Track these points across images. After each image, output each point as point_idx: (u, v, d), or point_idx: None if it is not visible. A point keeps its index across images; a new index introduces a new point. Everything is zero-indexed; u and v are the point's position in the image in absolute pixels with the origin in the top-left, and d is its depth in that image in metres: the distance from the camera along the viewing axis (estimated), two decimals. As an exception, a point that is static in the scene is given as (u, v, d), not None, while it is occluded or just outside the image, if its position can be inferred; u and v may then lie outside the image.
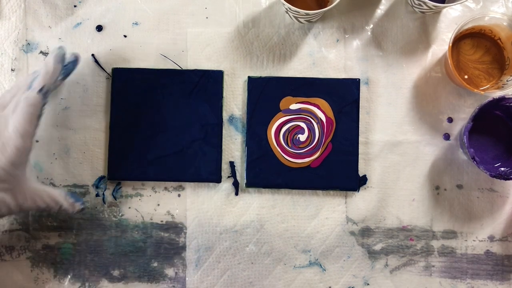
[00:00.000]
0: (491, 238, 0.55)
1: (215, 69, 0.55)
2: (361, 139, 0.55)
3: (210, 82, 0.55)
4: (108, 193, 0.55)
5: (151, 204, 0.55)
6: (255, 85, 0.55)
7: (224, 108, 0.55)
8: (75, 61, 0.52)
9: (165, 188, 0.55)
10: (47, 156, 0.55)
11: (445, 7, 0.51)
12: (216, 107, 0.54)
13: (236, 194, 0.55)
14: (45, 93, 0.46)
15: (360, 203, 0.55)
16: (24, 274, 0.55)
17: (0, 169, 0.44)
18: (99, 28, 0.56)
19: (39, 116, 0.46)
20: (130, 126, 0.54)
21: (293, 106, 0.54)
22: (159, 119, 0.54)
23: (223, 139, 0.55)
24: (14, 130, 0.44)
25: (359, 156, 0.54)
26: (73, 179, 0.55)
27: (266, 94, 0.54)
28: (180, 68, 0.55)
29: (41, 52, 0.56)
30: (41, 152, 0.55)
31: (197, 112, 0.54)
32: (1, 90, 0.56)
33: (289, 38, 0.56)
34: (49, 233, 0.55)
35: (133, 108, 0.54)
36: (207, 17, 0.56)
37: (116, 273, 0.55)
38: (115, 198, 0.55)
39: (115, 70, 0.55)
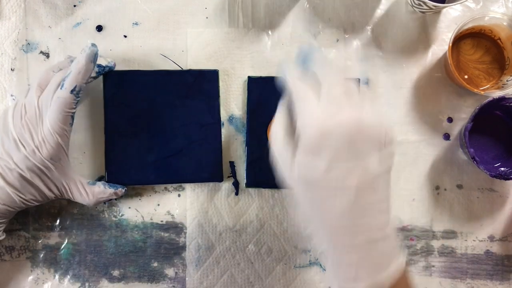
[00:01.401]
0: (491, 238, 0.55)
1: (215, 68, 0.55)
2: (361, 139, 0.55)
3: (206, 82, 0.54)
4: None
5: (151, 204, 0.55)
6: (255, 85, 0.55)
7: (224, 108, 0.55)
8: (112, 66, 0.53)
9: (165, 188, 0.55)
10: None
11: (445, 7, 0.51)
12: (213, 107, 0.54)
13: (236, 194, 0.55)
14: (77, 92, 0.47)
15: (360, 203, 0.55)
16: (24, 274, 0.55)
17: (38, 164, 0.46)
18: (99, 28, 0.56)
19: (73, 114, 0.47)
20: (126, 131, 0.53)
21: (293, 106, 0.54)
22: (157, 122, 0.53)
23: (223, 139, 0.55)
24: (50, 128, 0.46)
25: (359, 156, 0.54)
26: (73, 179, 0.55)
27: (266, 94, 0.54)
28: (181, 68, 0.55)
29: (41, 52, 0.56)
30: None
31: (194, 113, 0.54)
32: (1, 91, 0.56)
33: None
34: (49, 233, 0.55)
35: (129, 112, 0.53)
36: (207, 17, 0.56)
37: (116, 273, 0.55)
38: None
39: (108, 75, 0.53)
